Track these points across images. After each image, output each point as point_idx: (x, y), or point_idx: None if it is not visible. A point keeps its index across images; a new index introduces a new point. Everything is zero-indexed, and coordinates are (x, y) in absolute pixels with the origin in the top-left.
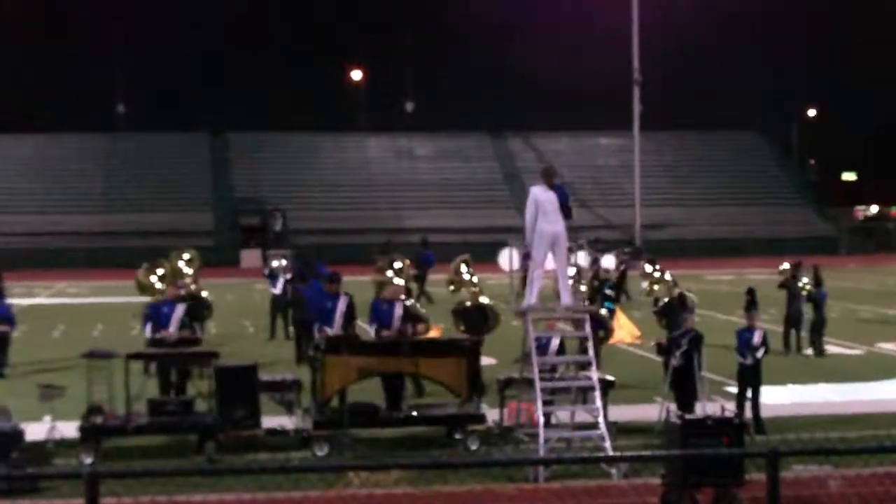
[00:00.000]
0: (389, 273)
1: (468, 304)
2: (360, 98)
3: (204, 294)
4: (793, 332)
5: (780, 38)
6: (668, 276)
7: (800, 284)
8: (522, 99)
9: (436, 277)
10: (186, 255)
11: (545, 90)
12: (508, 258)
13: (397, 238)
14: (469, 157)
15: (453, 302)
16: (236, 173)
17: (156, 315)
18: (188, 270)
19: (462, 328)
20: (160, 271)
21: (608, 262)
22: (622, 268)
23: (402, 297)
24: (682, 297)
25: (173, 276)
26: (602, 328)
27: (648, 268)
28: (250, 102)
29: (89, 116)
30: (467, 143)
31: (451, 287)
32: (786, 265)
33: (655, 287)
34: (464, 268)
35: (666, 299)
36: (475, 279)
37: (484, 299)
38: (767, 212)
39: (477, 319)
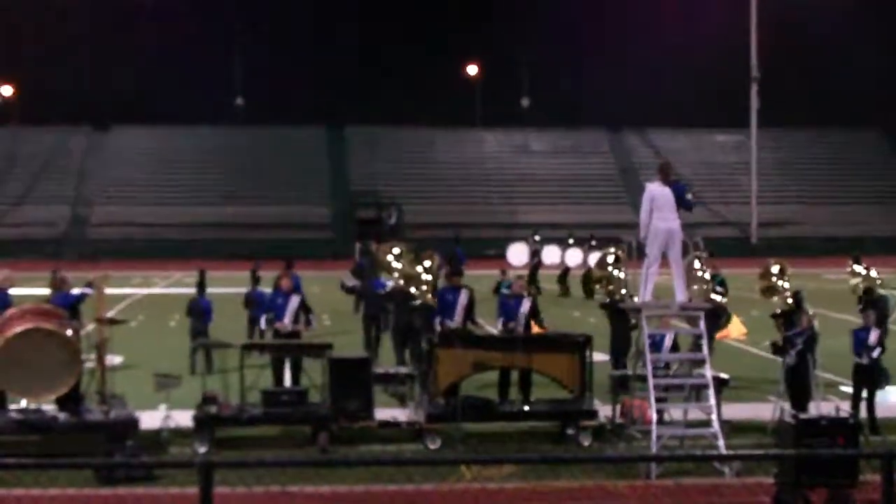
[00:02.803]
0: (610, 268)
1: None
2: (476, 93)
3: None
4: None
5: None
6: (874, 274)
7: None
8: (639, 94)
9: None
10: (396, 250)
11: (663, 86)
12: (517, 253)
13: (513, 233)
14: (585, 152)
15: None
16: (353, 167)
17: (272, 307)
18: (397, 265)
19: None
20: (427, 263)
21: (573, 257)
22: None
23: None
24: (797, 295)
25: (434, 272)
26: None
27: (858, 267)
28: (367, 97)
29: (209, 109)
30: (583, 138)
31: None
32: None
33: (861, 285)
34: (697, 264)
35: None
36: (707, 275)
37: (716, 297)
38: (887, 210)
39: (709, 317)
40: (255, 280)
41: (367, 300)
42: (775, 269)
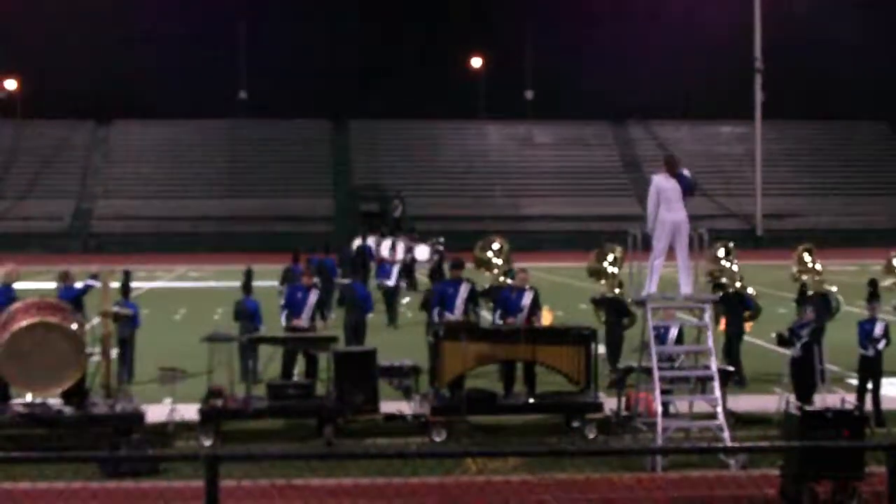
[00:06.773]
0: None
1: (812, 292)
2: (479, 86)
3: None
4: None
5: None
6: None
7: None
8: (644, 86)
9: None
10: (496, 245)
11: (667, 77)
12: (389, 248)
13: (518, 226)
14: (589, 144)
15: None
16: (357, 160)
17: (291, 302)
18: (498, 261)
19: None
20: (611, 256)
21: (421, 252)
22: (436, 257)
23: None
24: (803, 287)
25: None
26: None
27: None
28: (371, 89)
29: (213, 103)
30: (587, 130)
31: (798, 275)
32: None
33: None
34: (807, 256)
35: None
36: (818, 266)
37: (829, 287)
38: (892, 202)
39: (820, 306)
40: (248, 288)
41: (348, 305)
42: None
